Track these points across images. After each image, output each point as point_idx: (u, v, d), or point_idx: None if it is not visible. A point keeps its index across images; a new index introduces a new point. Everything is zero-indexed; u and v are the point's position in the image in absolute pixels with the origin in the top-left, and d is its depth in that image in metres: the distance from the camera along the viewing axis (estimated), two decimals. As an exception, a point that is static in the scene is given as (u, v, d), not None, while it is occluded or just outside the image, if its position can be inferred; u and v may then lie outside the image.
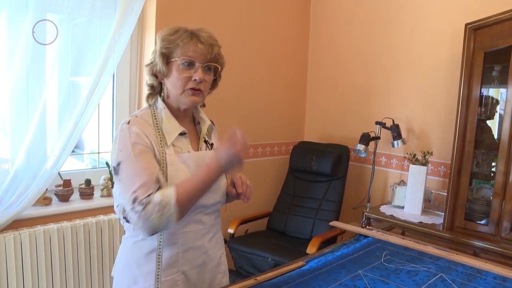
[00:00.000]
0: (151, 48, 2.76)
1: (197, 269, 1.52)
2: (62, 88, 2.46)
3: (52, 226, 2.32)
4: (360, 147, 3.06)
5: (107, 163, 2.71)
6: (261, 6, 3.40)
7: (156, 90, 1.50)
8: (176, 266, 1.46)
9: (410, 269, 1.75)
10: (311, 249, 2.71)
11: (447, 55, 2.98)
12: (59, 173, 2.46)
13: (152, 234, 1.36)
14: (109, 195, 2.67)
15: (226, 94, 3.17)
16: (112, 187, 2.69)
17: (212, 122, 1.65)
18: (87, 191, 2.60)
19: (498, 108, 2.70)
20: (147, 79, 1.51)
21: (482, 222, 2.58)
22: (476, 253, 2.46)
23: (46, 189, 2.41)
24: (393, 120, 3.12)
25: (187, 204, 1.34)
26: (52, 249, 2.30)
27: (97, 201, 2.61)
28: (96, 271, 2.46)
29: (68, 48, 2.38)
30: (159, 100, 1.49)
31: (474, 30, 2.49)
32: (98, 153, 2.86)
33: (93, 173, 2.75)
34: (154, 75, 1.48)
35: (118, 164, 1.36)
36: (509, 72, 2.38)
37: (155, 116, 1.46)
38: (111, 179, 2.69)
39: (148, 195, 1.30)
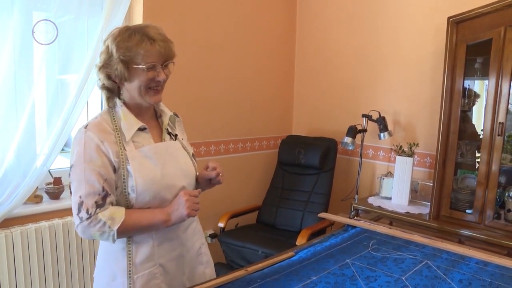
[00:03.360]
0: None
1: (174, 261, 1.55)
2: (50, 87, 2.46)
3: (44, 224, 2.33)
4: (347, 139, 3.10)
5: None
6: (248, 2, 3.42)
7: (115, 92, 1.52)
8: (153, 259, 1.50)
9: (396, 257, 1.81)
10: (300, 241, 2.75)
11: (431, 48, 3.03)
12: (49, 171, 2.47)
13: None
14: (100, 192, 2.69)
15: (214, 90, 3.19)
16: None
17: (176, 114, 1.69)
18: (77, 188, 2.61)
19: (478, 100, 2.78)
20: (102, 82, 1.50)
21: (467, 211, 2.64)
22: (461, 241, 2.52)
23: (37, 187, 2.42)
24: (379, 113, 3.18)
25: (126, 234, 1.44)
26: (44, 247, 2.31)
27: (88, 198, 2.62)
28: (89, 267, 2.48)
29: (55, 46, 2.38)
30: (117, 100, 1.51)
31: (457, 23, 2.55)
32: (88, 150, 2.86)
33: (83, 170, 2.76)
34: (111, 79, 1.48)
35: (71, 167, 1.42)
36: (490, 64, 2.44)
37: (113, 116, 1.49)
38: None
39: (97, 207, 1.37)
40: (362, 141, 3.22)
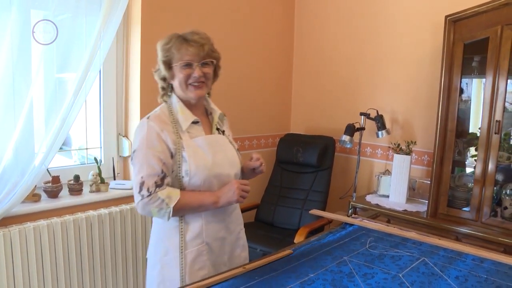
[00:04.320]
0: (137, 43, 2.77)
1: (219, 241, 1.75)
2: (48, 85, 2.46)
3: (42, 223, 2.33)
4: (346, 138, 3.11)
5: (95, 159, 2.73)
6: (247, 1, 3.42)
7: (167, 90, 1.77)
8: (201, 237, 1.70)
9: (393, 254, 1.81)
10: (298, 239, 2.76)
11: (429, 47, 3.04)
12: (47, 170, 2.47)
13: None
14: (98, 190, 2.69)
15: (213, 88, 3.18)
16: (101, 182, 2.72)
17: (223, 114, 1.92)
18: (76, 187, 2.62)
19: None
20: (159, 82, 1.77)
21: (464, 208, 2.65)
22: (458, 238, 2.54)
23: (35, 186, 2.41)
24: (377, 111, 3.19)
25: (180, 212, 1.65)
26: (42, 245, 2.31)
27: (86, 196, 2.62)
28: (87, 266, 2.48)
29: (53, 45, 2.38)
30: (174, 95, 1.74)
31: (454, 22, 2.56)
32: (87, 149, 2.87)
33: (82, 169, 2.76)
34: (163, 79, 1.74)
35: (134, 152, 1.66)
36: (487, 63, 2.45)
37: (171, 110, 1.72)
38: (99, 174, 2.71)
39: (156, 186, 1.58)
40: (360, 139, 3.23)
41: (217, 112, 1.86)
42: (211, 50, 1.71)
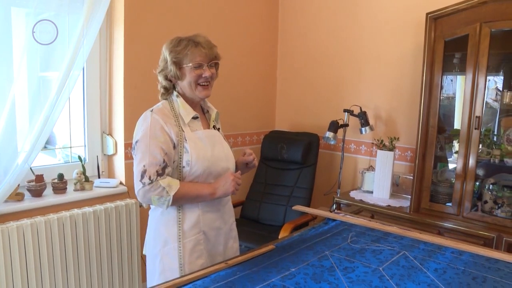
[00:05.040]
0: (120, 42, 2.76)
1: (214, 231, 1.84)
2: (32, 83, 2.45)
3: (26, 222, 2.31)
4: (329, 134, 3.13)
5: (79, 157, 2.72)
6: (230, -2, 3.43)
7: (170, 90, 1.84)
8: (198, 227, 1.79)
9: (375, 248, 1.84)
10: (283, 235, 2.78)
11: (412, 44, 3.08)
12: (30, 168, 2.46)
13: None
14: (83, 189, 2.69)
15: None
16: (86, 180, 2.71)
17: (218, 113, 1.99)
18: (60, 185, 2.61)
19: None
20: (161, 83, 1.83)
21: (447, 203, 2.69)
22: (440, 232, 2.58)
23: (18, 185, 2.40)
24: (360, 108, 3.21)
25: (179, 201, 1.72)
26: (26, 245, 2.30)
27: (71, 195, 2.62)
28: (72, 265, 2.48)
29: (35, 43, 2.37)
30: (174, 93, 1.83)
31: (435, 19, 2.59)
32: (70, 147, 2.86)
33: (66, 167, 2.75)
34: (168, 79, 1.80)
35: (136, 142, 1.73)
36: (467, 60, 2.48)
37: (172, 105, 1.81)
38: (84, 173, 2.70)
39: (158, 175, 1.66)
40: (344, 135, 3.26)
41: (214, 110, 1.96)
42: (216, 52, 1.84)
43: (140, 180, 1.67)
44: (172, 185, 1.68)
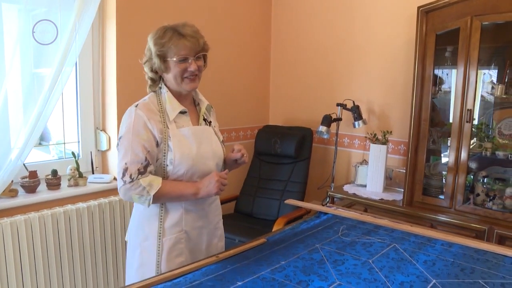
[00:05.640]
0: (113, 37, 2.76)
1: (197, 230, 1.80)
2: (25, 79, 2.44)
3: (19, 218, 2.32)
4: (322, 128, 3.14)
5: (73, 153, 2.72)
6: (223, -7, 3.43)
7: (157, 82, 1.79)
8: (180, 225, 1.76)
9: (365, 241, 1.86)
10: (276, 229, 2.79)
11: (404, 38, 3.08)
12: (24, 165, 2.46)
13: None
14: (76, 184, 2.69)
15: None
16: (79, 176, 2.72)
17: (210, 105, 1.95)
18: (54, 181, 2.61)
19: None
20: (147, 74, 1.78)
21: (439, 196, 2.71)
22: (433, 225, 2.60)
23: (12, 181, 2.41)
24: (353, 102, 3.22)
25: (160, 200, 1.70)
26: (20, 240, 2.30)
27: (64, 191, 2.62)
28: (66, 260, 2.49)
29: (28, 39, 2.36)
30: (163, 86, 1.77)
31: (426, 12, 2.60)
32: (64, 143, 2.86)
33: (60, 163, 2.76)
34: (154, 71, 1.75)
35: (120, 138, 1.69)
36: (458, 53, 2.49)
37: (159, 99, 1.75)
38: (77, 168, 2.71)
39: (139, 174, 1.63)
40: (337, 129, 3.27)
41: (204, 103, 1.89)
42: (204, 44, 1.76)
43: (122, 178, 1.64)
44: (153, 184, 1.64)
